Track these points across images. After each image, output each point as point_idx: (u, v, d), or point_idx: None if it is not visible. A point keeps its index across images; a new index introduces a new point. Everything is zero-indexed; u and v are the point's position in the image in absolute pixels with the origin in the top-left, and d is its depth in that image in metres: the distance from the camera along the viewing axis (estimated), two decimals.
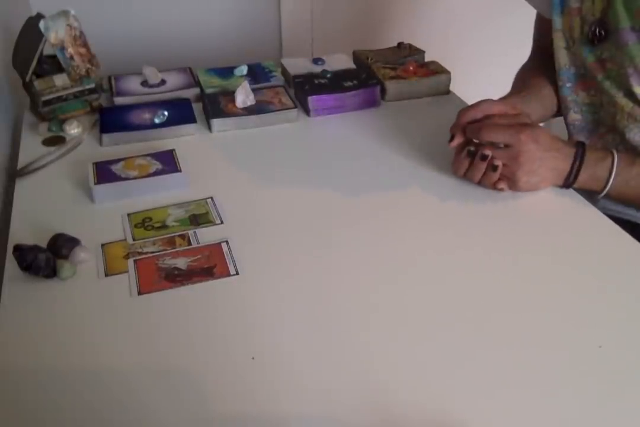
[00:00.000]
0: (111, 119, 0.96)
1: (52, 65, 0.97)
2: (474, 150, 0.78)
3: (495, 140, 0.77)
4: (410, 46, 1.20)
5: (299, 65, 1.14)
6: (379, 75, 1.08)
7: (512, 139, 0.75)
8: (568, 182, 0.79)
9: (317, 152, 0.92)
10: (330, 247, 0.72)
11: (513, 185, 0.79)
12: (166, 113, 0.96)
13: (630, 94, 0.81)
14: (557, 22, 0.86)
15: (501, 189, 0.79)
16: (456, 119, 0.81)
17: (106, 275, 0.67)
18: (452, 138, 0.81)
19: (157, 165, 0.83)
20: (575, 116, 0.92)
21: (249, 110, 0.99)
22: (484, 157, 0.77)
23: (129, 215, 0.76)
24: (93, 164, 0.83)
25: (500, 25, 1.79)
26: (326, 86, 1.04)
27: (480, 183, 0.81)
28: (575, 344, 0.59)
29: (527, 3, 0.95)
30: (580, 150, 0.77)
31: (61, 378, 0.55)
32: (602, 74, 0.83)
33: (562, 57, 0.88)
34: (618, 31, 0.78)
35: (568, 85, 0.89)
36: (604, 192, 0.78)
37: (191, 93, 1.05)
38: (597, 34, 0.81)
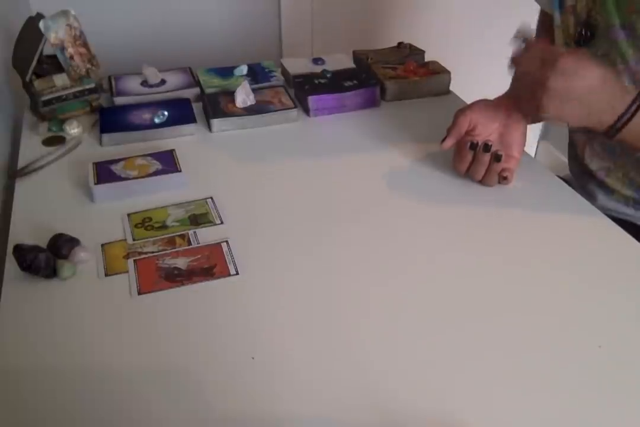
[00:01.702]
0: (111, 119, 0.96)
1: (52, 65, 0.97)
2: (476, 142, 0.78)
3: (537, 50, 0.70)
4: (410, 46, 1.20)
5: (299, 65, 1.14)
6: (379, 75, 1.08)
7: (552, 58, 0.67)
8: (610, 133, 0.69)
9: (317, 152, 0.92)
10: (330, 247, 0.72)
11: (539, 106, 0.69)
12: (166, 113, 0.96)
13: None
14: (557, 18, 0.87)
15: (505, 179, 0.79)
16: (453, 120, 0.81)
17: (106, 275, 0.67)
18: (445, 138, 0.81)
19: (157, 165, 0.83)
20: None
21: (249, 110, 0.99)
22: (486, 148, 0.77)
23: (129, 215, 0.76)
24: (93, 164, 0.83)
25: (500, 25, 1.78)
26: (326, 86, 1.04)
27: (482, 181, 0.81)
28: (575, 344, 0.59)
29: (528, 3, 0.95)
30: (637, 103, 0.68)
31: (61, 378, 0.55)
32: None
33: None
34: (608, 29, 0.79)
35: None
36: None
37: (191, 93, 1.05)
38: (583, 34, 0.82)
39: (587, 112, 0.69)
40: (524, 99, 0.73)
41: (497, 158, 0.77)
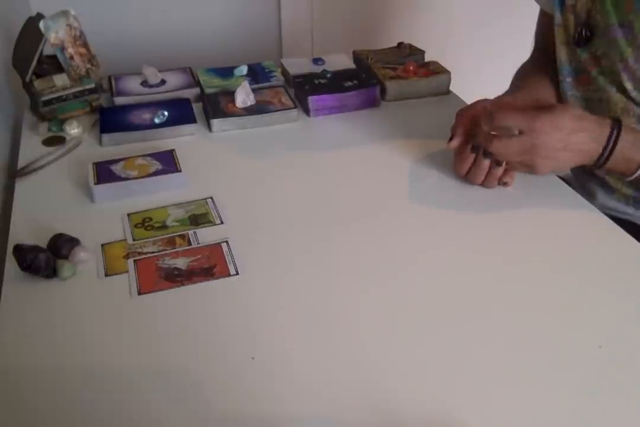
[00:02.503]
0: (111, 119, 0.96)
1: (52, 65, 0.97)
2: (478, 144, 0.78)
3: (509, 124, 0.72)
4: (410, 46, 1.20)
5: (299, 65, 1.14)
6: (379, 75, 1.08)
7: (527, 127, 0.71)
8: (598, 164, 0.74)
9: (317, 152, 0.92)
10: (330, 247, 0.72)
11: (533, 171, 0.75)
12: (166, 113, 0.96)
13: (623, 90, 0.82)
14: (558, 17, 0.87)
15: (505, 184, 0.79)
16: (455, 119, 0.81)
17: (106, 275, 0.67)
18: (451, 138, 0.81)
19: (157, 165, 0.83)
20: None
21: (249, 110, 0.99)
22: (487, 154, 0.77)
23: (129, 215, 0.76)
24: (93, 164, 0.83)
25: (500, 25, 1.79)
26: (326, 86, 1.04)
27: (482, 184, 0.81)
28: (575, 344, 0.59)
29: (528, 3, 0.95)
30: (615, 130, 0.72)
31: (61, 378, 0.55)
32: (596, 70, 0.84)
33: (562, 53, 0.88)
34: (607, 28, 0.79)
35: (568, 80, 0.90)
36: (635, 175, 0.74)
37: (191, 93, 1.05)
38: (584, 35, 0.82)
39: (575, 154, 0.73)
40: (517, 168, 0.77)
41: (498, 163, 0.77)
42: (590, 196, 0.94)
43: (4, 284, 0.66)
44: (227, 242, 0.72)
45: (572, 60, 0.88)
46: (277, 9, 1.60)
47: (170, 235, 0.73)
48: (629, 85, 0.80)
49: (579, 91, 0.90)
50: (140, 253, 0.70)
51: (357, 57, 1.19)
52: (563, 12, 0.85)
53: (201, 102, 1.03)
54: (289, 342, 0.59)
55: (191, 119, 0.97)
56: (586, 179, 0.96)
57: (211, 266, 0.68)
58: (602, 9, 0.79)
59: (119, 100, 1.02)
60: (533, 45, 1.04)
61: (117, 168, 0.82)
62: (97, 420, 0.52)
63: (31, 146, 0.92)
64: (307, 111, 1.02)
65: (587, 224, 0.76)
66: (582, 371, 0.56)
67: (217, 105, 0.99)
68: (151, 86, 1.06)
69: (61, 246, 0.68)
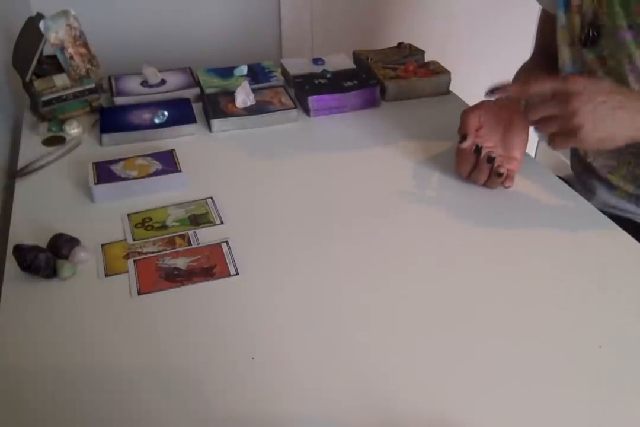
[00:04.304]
0: (111, 119, 0.96)
1: (52, 65, 0.97)
2: (481, 147, 0.78)
3: (544, 89, 0.67)
4: (410, 46, 1.20)
5: (299, 65, 1.14)
6: (379, 75, 1.08)
7: (564, 83, 0.64)
8: None
9: (317, 152, 0.92)
10: (330, 247, 0.72)
11: (576, 141, 0.66)
12: (166, 113, 0.96)
13: None
14: (562, 18, 0.86)
15: (508, 187, 0.79)
16: (462, 120, 0.81)
17: (106, 275, 0.67)
18: (462, 139, 0.80)
19: (157, 165, 0.83)
20: None
21: (249, 110, 0.99)
22: (490, 160, 0.77)
23: (129, 215, 0.76)
24: (93, 164, 0.83)
25: (500, 25, 1.79)
26: (326, 86, 1.04)
27: (484, 184, 0.81)
28: (575, 344, 0.59)
29: (528, 3, 0.95)
30: None
31: (61, 378, 0.55)
32: (602, 70, 0.84)
33: (566, 53, 0.88)
34: (615, 29, 0.79)
35: None
36: None
37: (191, 93, 1.05)
38: (590, 35, 0.82)
39: (623, 125, 0.66)
40: (558, 142, 0.69)
41: (498, 175, 0.78)
42: (591, 193, 0.94)
43: (4, 284, 0.66)
44: (227, 242, 0.72)
45: (577, 61, 0.88)
46: (277, 9, 1.60)
47: (170, 235, 0.73)
48: (636, 87, 0.80)
49: None
50: (140, 253, 0.70)
51: (357, 57, 1.19)
52: (568, 12, 0.85)
53: (201, 102, 1.03)
54: (289, 342, 0.59)
55: (191, 119, 0.97)
56: (587, 177, 0.96)
57: (211, 266, 0.68)
58: (609, 10, 0.79)
59: (119, 100, 1.02)
60: (534, 45, 1.04)
61: (117, 168, 0.82)
62: (97, 420, 0.52)
63: (31, 146, 0.92)
64: (307, 111, 1.02)
65: (587, 224, 0.76)
66: (582, 371, 0.56)
67: (217, 105, 0.99)
68: (151, 86, 1.06)
69: (61, 246, 0.68)
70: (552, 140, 0.68)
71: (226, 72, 1.11)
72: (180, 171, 0.82)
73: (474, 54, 1.80)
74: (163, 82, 1.07)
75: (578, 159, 0.99)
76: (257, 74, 1.10)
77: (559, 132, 0.67)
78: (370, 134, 0.96)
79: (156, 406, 0.53)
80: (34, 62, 0.93)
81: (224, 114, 0.97)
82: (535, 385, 0.55)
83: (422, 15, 1.76)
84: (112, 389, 0.54)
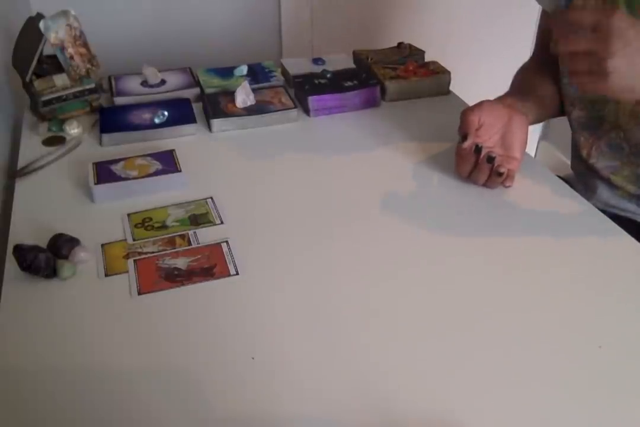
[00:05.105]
0: (111, 119, 0.96)
1: (52, 65, 0.97)
2: (481, 146, 0.78)
3: (583, 18, 0.60)
4: (410, 46, 1.20)
5: (299, 65, 1.14)
6: (379, 75, 1.08)
7: (610, 17, 0.58)
8: None
9: (317, 152, 0.92)
10: (331, 247, 0.72)
11: (605, 86, 0.60)
12: (166, 113, 0.96)
13: None
14: None
15: (508, 187, 0.79)
16: (462, 120, 0.81)
17: (106, 275, 0.67)
18: (463, 139, 0.80)
19: (157, 165, 0.83)
20: (579, 113, 0.92)
21: (249, 110, 0.99)
22: (490, 160, 0.77)
23: (129, 215, 0.76)
24: (93, 164, 0.83)
25: (500, 25, 1.79)
26: (326, 86, 1.04)
27: (484, 184, 0.81)
28: (575, 344, 0.59)
29: (529, 3, 0.95)
30: None
31: (61, 378, 0.55)
32: None
33: None
34: None
35: None
36: None
37: (191, 93, 1.05)
38: None
39: None
40: (588, 85, 0.62)
41: (498, 174, 0.78)
42: (592, 193, 0.94)
43: (4, 284, 0.66)
44: (227, 242, 0.72)
45: None
46: (277, 9, 1.60)
47: (170, 235, 0.73)
48: None
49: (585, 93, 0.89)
50: (140, 253, 0.70)
51: (357, 57, 1.19)
52: None
53: (201, 102, 1.03)
54: (289, 342, 0.59)
55: (191, 119, 0.97)
56: (589, 178, 0.96)
57: (211, 266, 0.68)
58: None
59: (119, 100, 1.02)
60: (534, 45, 1.04)
61: (117, 168, 0.82)
62: (97, 420, 0.52)
63: (31, 146, 0.92)
64: (307, 111, 1.02)
65: (587, 224, 0.76)
66: (582, 371, 0.56)
67: (217, 105, 0.99)
68: (151, 86, 1.06)
69: (61, 246, 0.68)
70: (580, 81, 0.62)
71: (226, 72, 1.11)
72: (180, 171, 0.82)
73: (474, 54, 1.80)
74: (163, 82, 1.07)
75: (579, 159, 0.99)
76: (257, 74, 1.10)
77: (589, 70, 0.61)
78: (370, 134, 0.96)
79: (156, 406, 0.53)
80: (34, 62, 0.93)
81: (224, 114, 0.97)
82: (535, 385, 0.55)
83: (422, 15, 1.76)
84: (112, 389, 0.54)
